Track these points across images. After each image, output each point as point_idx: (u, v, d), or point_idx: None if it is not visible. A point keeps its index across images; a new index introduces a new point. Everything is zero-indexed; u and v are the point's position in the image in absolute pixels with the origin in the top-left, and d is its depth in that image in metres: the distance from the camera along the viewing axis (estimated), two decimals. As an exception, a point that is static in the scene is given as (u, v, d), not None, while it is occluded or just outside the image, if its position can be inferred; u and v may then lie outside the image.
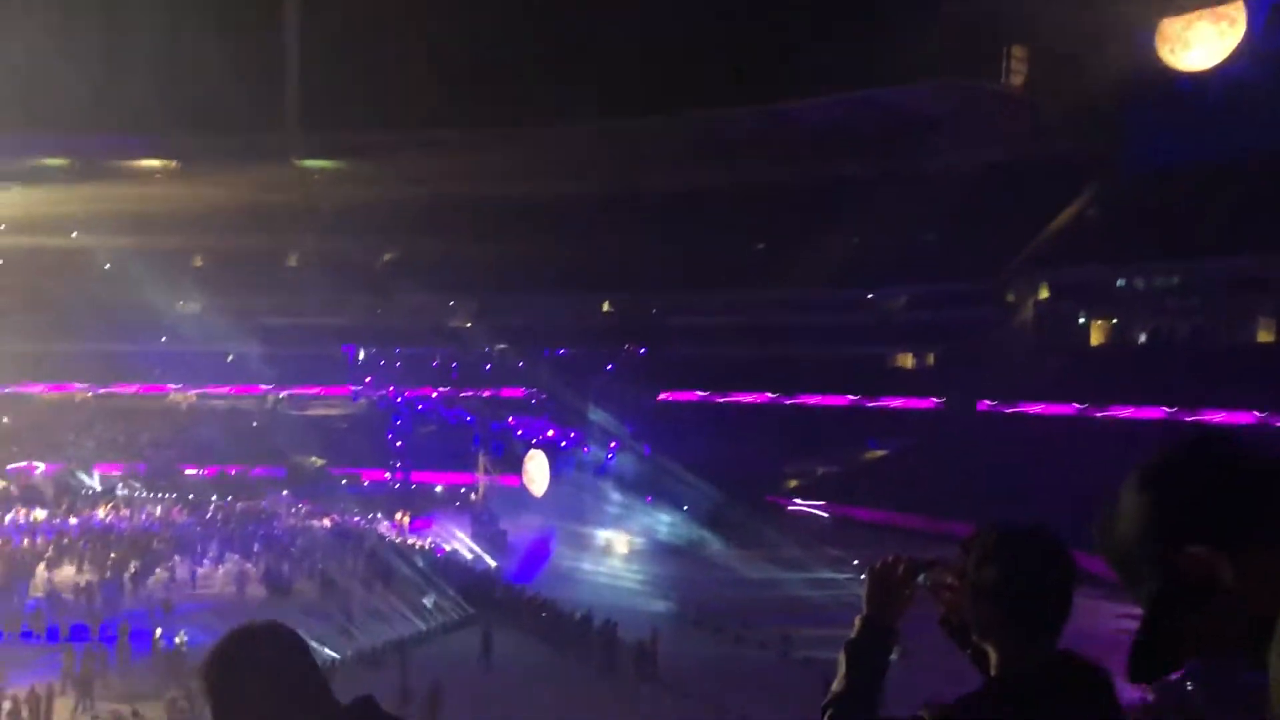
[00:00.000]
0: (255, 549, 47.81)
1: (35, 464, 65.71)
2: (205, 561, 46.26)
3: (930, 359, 69.99)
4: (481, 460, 59.45)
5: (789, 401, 67.68)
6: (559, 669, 33.35)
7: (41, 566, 43.97)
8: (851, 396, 66.17)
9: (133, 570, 42.67)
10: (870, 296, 71.05)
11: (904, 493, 51.73)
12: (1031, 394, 59.31)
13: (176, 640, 31.84)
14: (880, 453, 61.75)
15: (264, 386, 74.92)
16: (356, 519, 55.78)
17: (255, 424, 70.67)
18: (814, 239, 67.54)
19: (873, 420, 63.66)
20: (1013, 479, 46.30)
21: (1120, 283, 64.08)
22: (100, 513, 56.22)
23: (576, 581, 44.27)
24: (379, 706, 2.75)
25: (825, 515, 57.20)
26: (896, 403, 65.07)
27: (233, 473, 64.25)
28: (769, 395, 68.71)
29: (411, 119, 74.11)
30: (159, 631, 33.09)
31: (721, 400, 69.66)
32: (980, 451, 53.60)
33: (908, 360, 71.55)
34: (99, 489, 62.71)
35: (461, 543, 50.49)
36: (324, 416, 73.26)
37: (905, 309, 70.18)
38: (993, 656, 2.50)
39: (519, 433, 64.12)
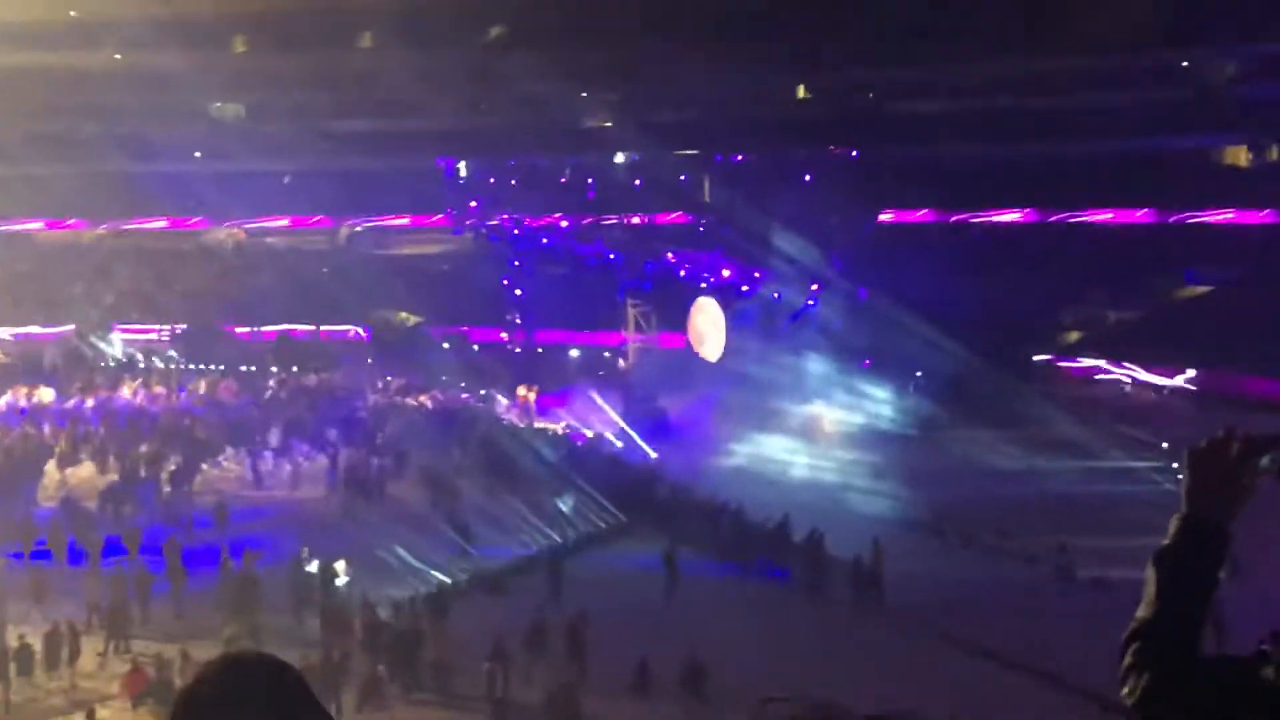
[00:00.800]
0: (331, 437, 49.49)
1: (36, 328, 68.43)
2: (266, 454, 48.05)
3: (1273, 154, 67.86)
4: (631, 313, 60.03)
5: (1066, 219, 66.65)
6: (747, 594, 34.00)
7: (52, 464, 46.20)
8: (1158, 210, 64.97)
9: (172, 467, 44.66)
10: (1186, 65, 68.72)
11: (1234, 345, 51.15)
12: None
13: (244, 560, 33.28)
14: (1201, 289, 60.88)
15: (334, 218, 76.55)
16: (465, 395, 57.20)
17: (325, 269, 72.19)
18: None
19: (1190, 243, 62.37)
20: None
21: None
22: (125, 391, 58.55)
23: (768, 478, 44.82)
24: None
25: (1121, 379, 56.54)
26: (1224, 217, 63.79)
27: (298, 335, 66.24)
28: (1037, 212, 67.72)
29: None
30: (225, 550, 34.47)
31: (969, 219, 68.91)
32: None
33: (1240, 156, 69.58)
34: (122, 359, 65.23)
35: (607, 426, 51.43)
36: (416, 257, 74.65)
37: (1236, 81, 67.77)
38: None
39: (682, 274, 64.43)
